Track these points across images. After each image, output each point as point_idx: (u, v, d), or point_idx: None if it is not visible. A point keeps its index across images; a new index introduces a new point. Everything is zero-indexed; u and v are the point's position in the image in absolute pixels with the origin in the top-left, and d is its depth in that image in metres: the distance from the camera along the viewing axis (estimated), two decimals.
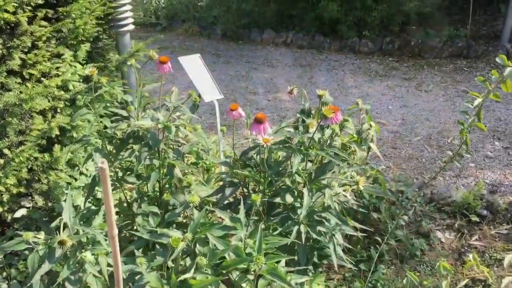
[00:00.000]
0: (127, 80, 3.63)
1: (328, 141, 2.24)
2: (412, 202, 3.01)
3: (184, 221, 2.61)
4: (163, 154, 2.42)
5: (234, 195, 2.36)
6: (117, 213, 3.01)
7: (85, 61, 2.84)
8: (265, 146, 1.96)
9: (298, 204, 2.13)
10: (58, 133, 2.52)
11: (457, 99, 4.87)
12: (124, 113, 2.48)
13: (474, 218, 2.97)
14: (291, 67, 5.96)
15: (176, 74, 5.33)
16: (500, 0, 7.21)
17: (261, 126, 2.03)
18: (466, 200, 3.06)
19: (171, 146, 2.54)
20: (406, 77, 5.51)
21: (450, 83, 5.28)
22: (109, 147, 2.36)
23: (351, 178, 2.02)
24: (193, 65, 2.75)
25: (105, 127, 2.51)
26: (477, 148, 3.90)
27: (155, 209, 2.30)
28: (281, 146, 2.14)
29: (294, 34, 6.90)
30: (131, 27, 3.29)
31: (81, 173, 3.01)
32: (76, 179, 2.93)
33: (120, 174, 2.59)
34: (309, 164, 2.27)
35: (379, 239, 2.71)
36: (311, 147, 2.13)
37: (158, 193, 2.61)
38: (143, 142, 2.40)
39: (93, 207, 2.89)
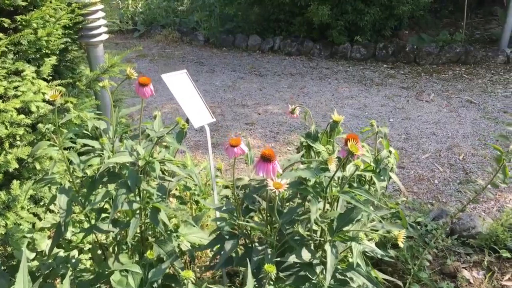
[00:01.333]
0: (101, 101, 3.17)
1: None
2: (436, 237, 2.61)
3: (172, 272, 2.16)
4: (145, 195, 1.97)
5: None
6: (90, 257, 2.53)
7: (51, 77, 2.37)
8: (277, 193, 1.53)
9: (316, 260, 1.71)
10: (16, 166, 2.06)
11: (462, 110, 4.52)
12: (97, 144, 2.03)
13: (505, 254, 2.59)
14: (281, 76, 5.56)
15: (156, 86, 4.86)
16: (492, 2, 6.93)
17: (269, 165, 1.61)
18: (493, 232, 2.69)
19: (154, 181, 2.10)
20: (404, 86, 5.15)
21: (452, 92, 4.94)
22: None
23: (387, 233, 1.60)
24: (179, 83, 2.31)
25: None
26: (492, 166, 3.54)
27: (136, 268, 1.86)
28: (295, 189, 1.71)
29: (282, 39, 6.49)
30: (104, 37, 2.84)
31: (47, 210, 2.53)
32: (40, 219, 2.45)
33: (92, 218, 2.13)
34: (327, 206, 1.85)
35: (400, 283, 2.31)
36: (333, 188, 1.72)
37: (139, 238, 2.16)
38: (120, 181, 1.96)
39: (61, 253, 2.42)
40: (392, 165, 2.33)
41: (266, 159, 1.61)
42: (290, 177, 1.69)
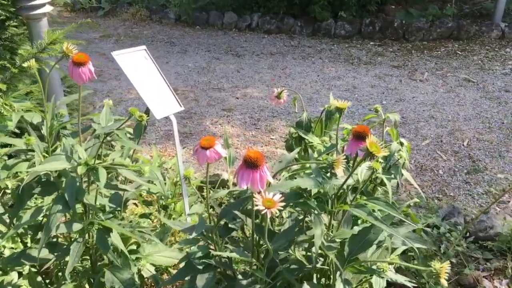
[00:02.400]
0: (50, 87, 2.65)
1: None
2: (453, 244, 2.21)
3: None
4: (90, 212, 1.50)
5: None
6: None
7: None
8: (268, 214, 1.08)
9: None
10: None
11: (460, 90, 4.13)
12: (22, 143, 1.55)
13: None
14: (260, 56, 5.07)
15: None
16: None
17: (255, 173, 1.15)
18: None
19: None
20: (395, 65, 4.73)
21: (447, 70, 4.54)
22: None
23: (434, 269, 1.15)
24: (136, 63, 1.81)
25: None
26: (501, 152, 3.15)
27: None
28: (291, 202, 1.26)
29: (260, 16, 5.99)
30: (48, 8, 2.32)
31: None
32: None
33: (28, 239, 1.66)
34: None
35: None
36: (342, 201, 1.27)
37: (89, 263, 1.69)
38: (56, 194, 1.48)
39: None
40: (405, 160, 1.90)
41: (251, 164, 1.15)
42: (285, 188, 1.23)
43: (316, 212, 1.21)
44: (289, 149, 2.10)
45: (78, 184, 1.44)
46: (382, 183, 1.85)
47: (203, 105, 3.94)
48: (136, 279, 1.64)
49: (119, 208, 1.65)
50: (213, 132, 3.50)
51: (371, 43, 5.43)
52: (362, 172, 1.35)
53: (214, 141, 1.16)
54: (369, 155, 1.13)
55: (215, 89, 4.25)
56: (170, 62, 4.88)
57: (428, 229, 2.31)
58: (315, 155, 1.92)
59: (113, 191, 1.63)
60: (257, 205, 1.08)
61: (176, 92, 4.16)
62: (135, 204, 2.42)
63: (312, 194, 1.26)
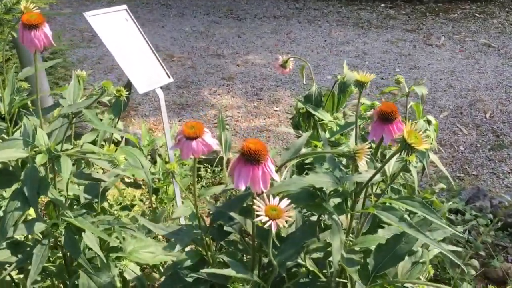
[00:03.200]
0: (22, 57, 2.37)
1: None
2: (482, 233, 1.96)
3: None
4: (56, 209, 1.24)
5: None
6: None
7: None
8: (273, 228, 0.82)
9: None
10: None
11: (479, 56, 3.80)
12: None
13: None
14: (263, 20, 4.72)
15: None
16: None
17: (257, 169, 0.89)
18: None
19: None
20: (408, 28, 4.38)
21: (465, 34, 4.20)
22: None
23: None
24: (115, 27, 1.52)
25: None
26: None
27: None
28: (303, 205, 1.00)
29: None
30: None
31: None
32: None
33: None
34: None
35: None
36: (366, 200, 1.01)
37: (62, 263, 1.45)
38: (15, 187, 1.22)
39: None
40: (432, 141, 1.63)
41: (251, 158, 0.88)
42: (294, 187, 0.96)
43: (334, 220, 0.95)
44: (296, 127, 1.83)
45: (41, 174, 1.18)
46: (405, 169, 1.59)
47: (201, 73, 3.64)
48: (117, 283, 1.40)
49: (96, 200, 1.40)
50: (211, 103, 3.22)
51: (382, 5, 5.06)
52: (390, 164, 1.08)
53: (201, 129, 0.88)
54: (407, 148, 0.86)
55: (214, 56, 3.94)
56: (166, 26, 4.54)
57: (453, 216, 2.06)
58: (327, 135, 1.65)
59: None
60: (258, 216, 0.82)
61: (172, 59, 3.86)
62: (124, 184, 2.17)
63: (329, 193, 0.99)
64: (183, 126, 0.88)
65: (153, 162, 2.44)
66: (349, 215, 1.02)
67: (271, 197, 0.86)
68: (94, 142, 1.38)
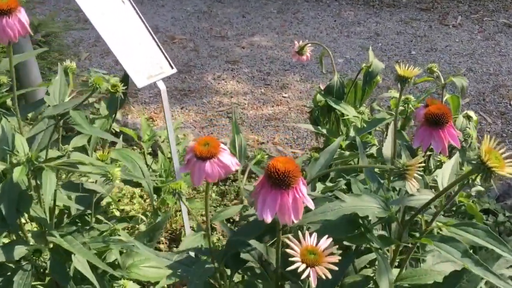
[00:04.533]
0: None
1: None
2: None
3: None
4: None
5: None
6: None
7: None
8: (313, 278, 0.63)
9: None
10: None
11: (500, 37, 3.57)
12: None
13: None
14: None
15: None
16: None
17: (286, 196, 0.70)
18: None
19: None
20: (422, 7, 4.14)
21: (483, 14, 3.96)
22: None
23: None
24: (109, 9, 1.31)
25: None
26: None
27: None
28: (342, 236, 0.81)
29: None
30: None
31: None
32: None
33: None
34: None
35: None
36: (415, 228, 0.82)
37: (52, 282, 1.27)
38: None
39: None
40: (472, 139, 1.43)
41: (279, 182, 0.69)
42: (332, 215, 0.77)
43: (380, 254, 0.76)
44: (315, 122, 1.63)
45: (21, 190, 0.99)
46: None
47: (204, 56, 3.42)
48: None
49: (88, 211, 1.21)
50: (215, 89, 3.01)
51: None
52: (443, 177, 0.89)
53: (217, 146, 0.68)
54: (484, 172, 0.67)
55: (218, 38, 3.71)
56: (166, 5, 4.30)
57: (484, 216, 1.88)
58: (351, 133, 1.46)
59: None
60: (293, 261, 0.63)
61: (173, 41, 3.63)
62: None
63: (370, 225, 0.80)
64: (195, 144, 0.68)
65: (154, 154, 2.26)
66: (393, 246, 0.84)
67: (307, 234, 0.67)
68: (85, 146, 1.19)
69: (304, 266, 0.62)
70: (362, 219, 0.78)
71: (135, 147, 2.35)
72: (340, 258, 0.65)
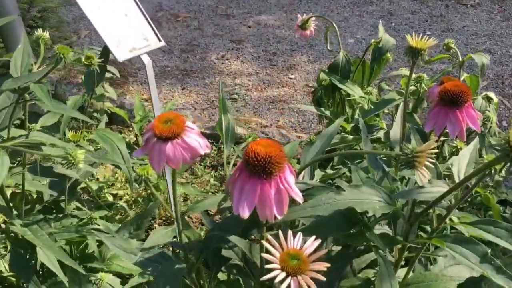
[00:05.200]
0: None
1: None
2: None
3: None
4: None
5: None
6: None
7: None
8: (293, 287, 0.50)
9: None
10: None
11: None
12: None
13: None
14: None
15: None
16: None
17: (267, 187, 0.56)
18: None
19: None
20: None
21: None
22: None
23: None
24: None
25: None
26: None
27: None
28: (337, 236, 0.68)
29: None
30: None
31: None
32: None
33: None
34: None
35: None
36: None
37: None
38: None
39: None
40: (491, 123, 1.30)
41: (259, 169, 0.56)
42: (324, 211, 0.64)
43: (381, 256, 0.64)
44: (318, 103, 1.49)
45: None
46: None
47: (208, 35, 3.28)
48: None
49: (63, 198, 1.10)
50: (219, 69, 2.88)
51: None
52: (460, 168, 0.75)
53: (182, 123, 0.56)
54: None
55: (223, 16, 3.56)
56: None
57: (501, 207, 1.74)
58: (357, 115, 1.32)
59: None
60: (271, 269, 0.51)
61: (177, 19, 3.49)
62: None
63: (372, 221, 0.67)
64: (155, 120, 0.56)
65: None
66: (398, 247, 0.71)
67: (290, 234, 0.54)
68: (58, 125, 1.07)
69: (283, 274, 0.50)
70: (362, 214, 0.65)
71: (131, 129, 2.24)
72: (328, 265, 0.52)
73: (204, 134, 2.49)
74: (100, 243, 1.21)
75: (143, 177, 0.67)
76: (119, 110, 1.61)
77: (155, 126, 0.54)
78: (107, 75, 2.26)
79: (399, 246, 0.70)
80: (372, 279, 0.75)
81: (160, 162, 0.54)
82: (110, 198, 1.90)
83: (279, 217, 0.59)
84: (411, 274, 0.73)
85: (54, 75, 2.70)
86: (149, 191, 1.80)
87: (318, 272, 0.50)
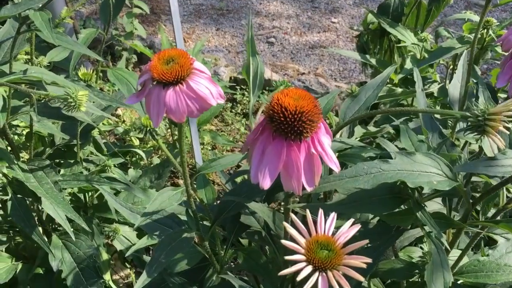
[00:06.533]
0: None
1: None
2: None
3: None
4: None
5: None
6: None
7: None
8: (321, 285, 0.38)
9: None
10: None
11: None
12: None
13: None
14: None
15: None
16: None
17: (295, 151, 0.43)
18: None
19: None
20: None
21: None
22: None
23: None
24: None
25: None
26: None
27: None
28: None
29: None
30: None
31: None
32: None
33: None
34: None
35: None
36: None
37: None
38: None
39: None
40: None
41: (286, 128, 0.43)
42: (367, 182, 0.52)
43: (434, 235, 0.51)
44: (362, 49, 1.33)
45: None
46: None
47: None
48: (103, 255, 1.04)
49: (74, 142, 1.01)
50: (256, 9, 2.69)
51: None
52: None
53: (188, 63, 0.43)
54: None
55: None
56: None
57: None
58: (408, 64, 1.15)
59: None
60: (294, 261, 0.39)
61: None
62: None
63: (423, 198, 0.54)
64: (153, 58, 0.43)
65: None
66: (453, 231, 0.58)
67: (320, 213, 0.42)
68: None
69: (309, 268, 0.38)
70: (413, 189, 0.52)
71: None
72: (369, 261, 0.40)
73: (236, 79, 2.30)
74: (117, 192, 1.13)
75: (148, 129, 0.56)
76: (145, 49, 1.49)
77: (153, 67, 0.42)
78: (137, 11, 2.16)
79: (457, 227, 0.57)
80: (417, 261, 0.63)
81: (159, 114, 0.42)
82: (136, 142, 1.82)
83: (308, 189, 0.47)
84: (465, 259, 0.60)
85: (85, 10, 2.59)
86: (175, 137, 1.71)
87: (354, 269, 0.38)
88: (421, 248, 0.71)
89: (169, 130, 1.80)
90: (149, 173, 1.27)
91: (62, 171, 0.97)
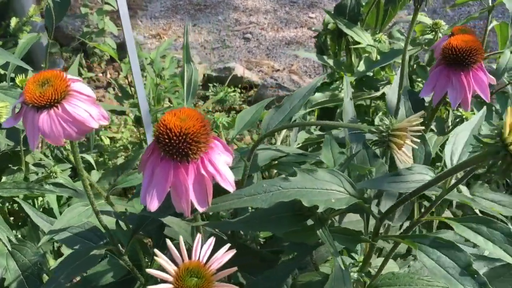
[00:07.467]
0: None
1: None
2: None
3: None
4: None
5: None
6: None
7: None
8: None
9: None
10: None
11: None
12: None
13: None
14: None
15: None
16: None
17: (181, 173, 0.43)
18: None
19: None
20: None
21: None
22: None
23: None
24: None
25: None
26: None
27: None
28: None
29: None
30: None
31: None
32: None
33: None
34: None
35: None
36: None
37: None
38: None
39: None
40: None
41: (172, 150, 0.43)
42: (263, 202, 0.51)
43: (338, 259, 0.51)
44: (321, 50, 1.32)
45: None
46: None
47: None
48: (50, 261, 1.04)
49: (18, 148, 1.00)
50: (234, 5, 2.67)
51: None
52: (455, 149, 0.60)
53: (64, 84, 0.42)
54: (505, 159, 0.38)
55: None
56: None
57: None
58: (361, 66, 1.15)
59: None
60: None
61: None
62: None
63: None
64: (28, 81, 0.42)
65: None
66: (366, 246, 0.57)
67: (198, 238, 0.42)
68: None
69: None
70: (311, 207, 0.52)
71: None
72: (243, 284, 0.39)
73: (210, 77, 2.27)
74: (68, 198, 1.12)
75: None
76: (103, 46, 1.47)
77: (26, 90, 0.41)
78: (108, 7, 2.13)
79: (367, 243, 0.56)
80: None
81: (34, 137, 0.42)
82: (107, 141, 1.82)
83: (200, 210, 0.46)
84: (381, 273, 0.60)
85: None
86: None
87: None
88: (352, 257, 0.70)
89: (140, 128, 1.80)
90: (108, 176, 1.26)
91: (4, 179, 0.96)
